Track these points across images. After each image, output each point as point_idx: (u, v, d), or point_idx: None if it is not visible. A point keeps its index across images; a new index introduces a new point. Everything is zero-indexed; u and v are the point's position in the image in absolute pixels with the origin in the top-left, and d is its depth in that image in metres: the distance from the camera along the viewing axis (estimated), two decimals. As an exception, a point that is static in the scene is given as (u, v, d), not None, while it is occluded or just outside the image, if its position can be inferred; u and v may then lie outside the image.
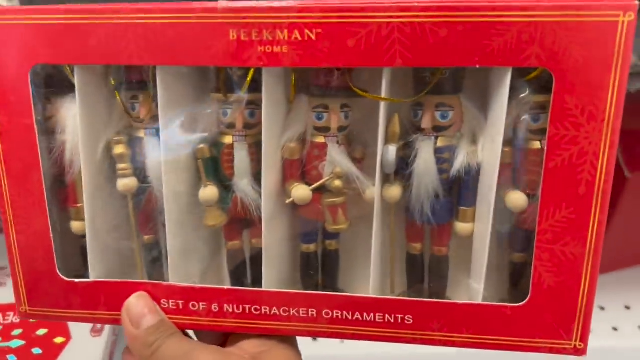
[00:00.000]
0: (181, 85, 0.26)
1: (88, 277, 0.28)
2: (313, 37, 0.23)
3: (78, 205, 0.28)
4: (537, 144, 0.25)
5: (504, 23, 0.22)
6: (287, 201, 0.26)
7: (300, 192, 0.26)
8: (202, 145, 0.27)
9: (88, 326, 0.41)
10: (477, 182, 0.26)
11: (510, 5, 0.22)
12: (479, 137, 0.26)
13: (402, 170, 0.26)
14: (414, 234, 0.28)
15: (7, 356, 0.40)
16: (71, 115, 0.26)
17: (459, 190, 0.27)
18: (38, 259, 0.27)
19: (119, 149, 0.27)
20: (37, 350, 0.40)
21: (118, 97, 0.27)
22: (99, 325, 0.41)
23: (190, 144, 0.27)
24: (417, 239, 0.28)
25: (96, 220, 0.28)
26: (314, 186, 0.26)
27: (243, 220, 0.28)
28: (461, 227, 0.27)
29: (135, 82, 0.27)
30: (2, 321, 0.43)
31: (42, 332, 0.42)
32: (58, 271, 0.27)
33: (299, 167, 0.27)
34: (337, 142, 0.26)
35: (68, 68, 0.26)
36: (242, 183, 0.26)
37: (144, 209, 0.28)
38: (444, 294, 0.29)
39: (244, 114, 0.26)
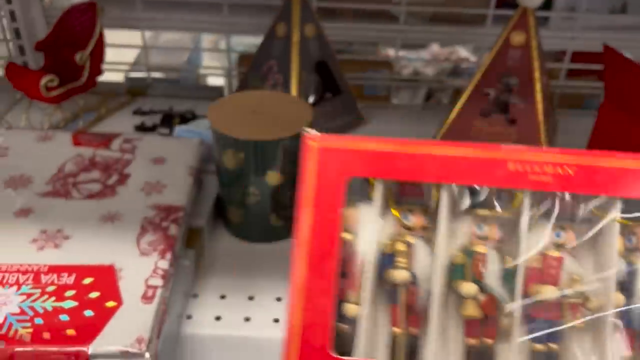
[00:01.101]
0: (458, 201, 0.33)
1: (353, 356, 0.33)
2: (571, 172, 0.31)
3: (355, 291, 0.31)
4: None
5: None
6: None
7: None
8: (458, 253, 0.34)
9: (139, 292, 0.42)
10: None
11: None
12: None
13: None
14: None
15: (60, 316, 0.40)
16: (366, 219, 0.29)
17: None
18: (317, 336, 0.30)
19: (400, 246, 0.33)
20: (88, 312, 0.41)
21: (393, 210, 0.31)
22: (150, 292, 0.42)
23: (449, 252, 0.32)
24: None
25: (366, 306, 0.33)
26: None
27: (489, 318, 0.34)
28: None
29: (411, 196, 0.33)
30: (56, 281, 0.42)
31: (94, 295, 0.42)
32: (329, 348, 0.32)
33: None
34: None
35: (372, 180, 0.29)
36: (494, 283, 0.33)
37: (408, 302, 0.33)
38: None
39: (496, 228, 0.32)
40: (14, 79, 0.67)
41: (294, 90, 0.70)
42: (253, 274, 0.53)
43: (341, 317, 0.33)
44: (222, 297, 0.51)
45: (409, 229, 0.34)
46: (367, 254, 0.33)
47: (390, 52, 1.30)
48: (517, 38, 0.68)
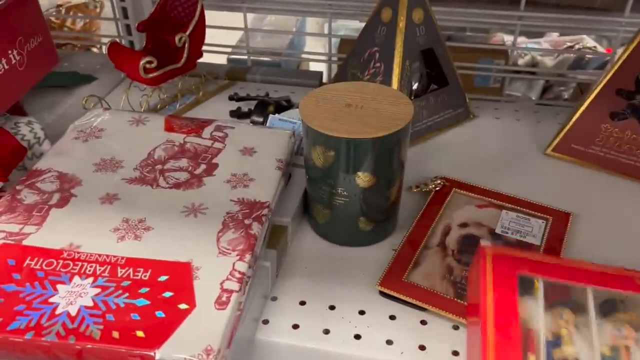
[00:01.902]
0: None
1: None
2: None
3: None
4: None
5: None
6: None
7: None
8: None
9: (214, 296, 0.40)
10: None
11: None
12: None
13: None
14: None
15: (131, 314, 0.38)
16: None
17: None
18: None
19: (564, 332, 0.37)
20: (160, 313, 0.39)
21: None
22: (224, 297, 0.40)
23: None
24: None
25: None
26: None
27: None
28: None
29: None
30: (132, 276, 0.41)
31: (167, 294, 0.40)
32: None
33: None
34: None
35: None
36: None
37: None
38: None
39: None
40: (116, 59, 0.67)
41: (395, 80, 0.65)
42: (336, 280, 0.49)
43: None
44: (302, 303, 0.47)
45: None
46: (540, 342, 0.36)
47: (506, 38, 1.20)
48: (665, 29, 0.58)
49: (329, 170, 0.48)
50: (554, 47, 1.25)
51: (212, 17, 0.74)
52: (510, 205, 0.57)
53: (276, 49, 1.10)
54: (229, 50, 1.01)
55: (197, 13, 0.69)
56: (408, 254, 0.51)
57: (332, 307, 0.47)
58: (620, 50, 0.62)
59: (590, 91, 0.63)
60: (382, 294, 0.48)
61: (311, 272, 0.50)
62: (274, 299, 0.48)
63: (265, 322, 0.46)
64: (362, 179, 0.48)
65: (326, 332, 0.45)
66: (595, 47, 1.20)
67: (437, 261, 0.50)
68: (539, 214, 0.56)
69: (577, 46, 1.20)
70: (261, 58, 1.08)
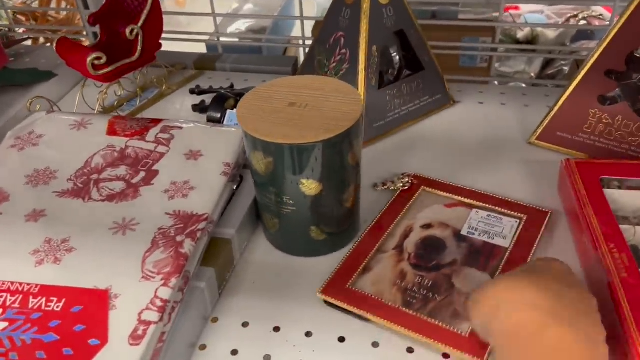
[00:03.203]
0: None
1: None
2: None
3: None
4: None
5: None
6: None
7: None
8: None
9: (128, 330, 0.36)
10: None
11: None
12: None
13: None
14: None
15: (37, 352, 0.35)
16: None
17: None
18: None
19: None
20: (67, 351, 0.35)
21: None
22: (140, 330, 0.36)
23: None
24: None
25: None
26: None
27: None
28: None
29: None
30: (44, 307, 0.37)
31: (79, 328, 0.36)
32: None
33: None
34: None
35: None
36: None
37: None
38: None
39: None
40: (65, 56, 0.63)
41: (361, 68, 0.59)
42: (285, 296, 0.45)
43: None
44: (245, 324, 0.43)
45: None
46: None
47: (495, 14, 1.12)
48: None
49: (271, 177, 0.44)
50: (557, 15, 1.17)
51: (192, 4, 0.69)
52: (482, 203, 0.51)
53: (253, 36, 1.04)
54: (206, 38, 0.96)
55: (149, 3, 0.64)
56: (357, 258, 0.46)
57: (276, 329, 0.43)
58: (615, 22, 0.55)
59: (577, 72, 0.57)
60: (327, 303, 0.44)
61: (259, 288, 0.46)
62: (215, 320, 0.44)
63: (203, 347, 0.42)
64: (307, 186, 0.43)
65: (267, 358, 0.41)
66: (601, 15, 1.11)
67: (390, 266, 0.46)
68: (514, 212, 0.50)
69: (581, 15, 1.12)
70: (241, 43, 1.02)
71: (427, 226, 0.50)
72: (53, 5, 1.30)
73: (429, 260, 0.46)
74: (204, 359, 0.41)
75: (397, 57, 0.64)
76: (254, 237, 0.51)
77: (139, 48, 0.65)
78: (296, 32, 1.20)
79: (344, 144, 0.42)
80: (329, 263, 0.47)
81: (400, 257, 0.47)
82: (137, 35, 0.64)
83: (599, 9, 1.16)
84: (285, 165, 0.42)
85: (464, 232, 0.49)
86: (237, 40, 0.98)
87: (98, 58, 0.61)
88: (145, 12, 0.64)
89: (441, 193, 0.53)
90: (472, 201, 0.52)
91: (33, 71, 0.75)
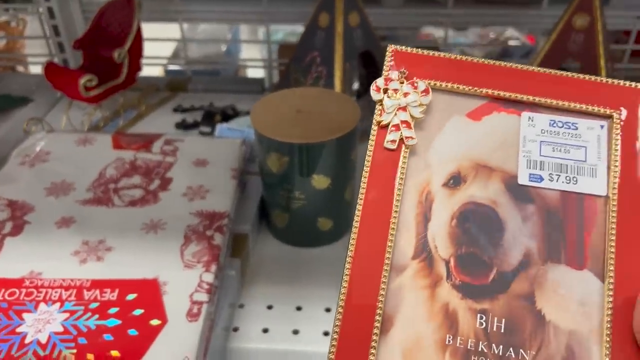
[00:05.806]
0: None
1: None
2: None
3: None
4: None
5: None
6: None
7: None
8: None
9: (184, 309, 0.40)
10: None
11: None
12: None
13: None
14: None
15: (104, 335, 0.38)
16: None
17: None
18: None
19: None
20: (133, 332, 0.39)
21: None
22: (195, 309, 0.40)
23: None
24: None
25: None
26: None
27: None
28: None
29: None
30: (99, 297, 0.41)
31: (138, 312, 0.40)
32: None
33: None
34: None
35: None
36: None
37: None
38: None
39: None
40: (53, 79, 0.66)
41: (337, 83, 0.67)
42: (300, 282, 0.51)
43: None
44: (269, 307, 0.48)
45: None
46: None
47: (435, 32, 1.25)
48: (580, 21, 0.63)
49: (285, 175, 0.50)
50: (480, 38, 1.31)
51: (145, 29, 0.73)
52: (533, 97, 0.29)
53: (213, 58, 1.10)
54: (165, 62, 1.00)
55: (134, 27, 0.69)
56: (364, 295, 0.24)
57: (299, 308, 0.48)
58: (545, 40, 0.66)
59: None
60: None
61: (275, 277, 0.52)
62: (242, 306, 0.49)
63: (236, 329, 0.47)
64: (318, 181, 0.50)
65: (295, 332, 0.46)
66: (518, 38, 1.26)
67: (420, 301, 0.22)
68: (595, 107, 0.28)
69: (501, 38, 1.27)
70: (198, 68, 1.07)
71: (454, 180, 0.27)
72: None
73: (482, 266, 0.25)
74: (239, 339, 0.46)
75: (365, 73, 0.72)
76: (260, 234, 0.57)
77: (125, 70, 0.69)
78: (244, 55, 1.27)
79: (347, 142, 0.49)
80: (331, 250, 0.54)
81: (432, 273, 0.26)
82: (123, 58, 0.68)
83: (514, 32, 1.31)
84: (300, 162, 0.48)
85: (523, 180, 0.26)
86: (202, 64, 1.03)
87: (90, 80, 0.64)
88: (131, 36, 0.69)
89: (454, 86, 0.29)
90: (511, 94, 0.28)
91: (7, 97, 0.76)
